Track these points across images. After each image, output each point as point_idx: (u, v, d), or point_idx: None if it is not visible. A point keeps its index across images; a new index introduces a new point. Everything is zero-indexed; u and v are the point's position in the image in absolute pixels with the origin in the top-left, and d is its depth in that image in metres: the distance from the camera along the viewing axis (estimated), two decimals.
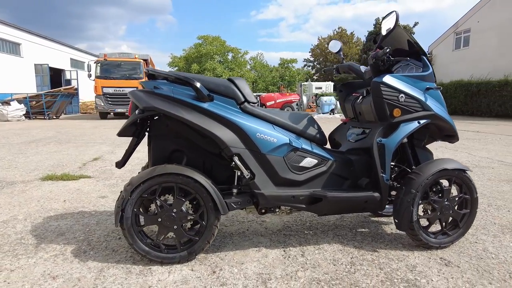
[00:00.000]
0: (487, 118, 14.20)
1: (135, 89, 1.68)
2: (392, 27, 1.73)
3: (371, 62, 1.85)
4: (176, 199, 1.60)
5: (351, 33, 33.43)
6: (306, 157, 1.76)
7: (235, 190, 1.73)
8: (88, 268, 1.60)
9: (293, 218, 2.32)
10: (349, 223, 2.24)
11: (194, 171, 1.61)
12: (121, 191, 1.62)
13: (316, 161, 1.78)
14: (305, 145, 1.78)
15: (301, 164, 1.75)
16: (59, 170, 3.75)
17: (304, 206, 1.75)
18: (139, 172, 1.75)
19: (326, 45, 32.90)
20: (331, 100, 16.28)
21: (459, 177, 1.82)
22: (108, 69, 13.44)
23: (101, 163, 4.21)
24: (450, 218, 1.86)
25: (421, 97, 1.81)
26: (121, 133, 1.65)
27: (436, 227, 1.89)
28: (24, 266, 1.61)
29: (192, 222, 1.68)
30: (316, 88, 23.42)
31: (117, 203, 1.58)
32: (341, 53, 2.23)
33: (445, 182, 1.85)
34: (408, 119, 1.79)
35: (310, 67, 35.42)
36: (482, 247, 1.86)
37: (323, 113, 16.18)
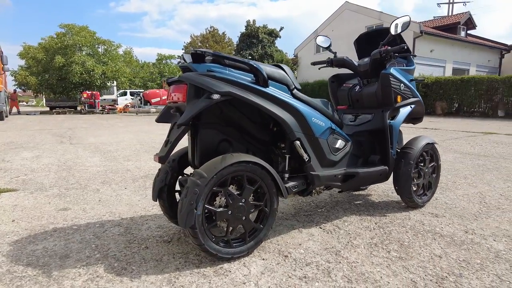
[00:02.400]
0: None
1: (190, 73, 1.48)
2: (403, 30, 2.03)
3: (378, 57, 2.13)
4: (246, 188, 1.52)
5: (223, 33, 34.68)
6: (338, 139, 1.93)
7: (287, 175, 1.75)
8: (152, 283, 1.35)
9: (294, 201, 2.44)
10: (342, 199, 2.53)
11: (259, 159, 1.56)
12: (186, 187, 1.42)
13: (344, 142, 1.97)
14: (337, 128, 1.95)
15: (336, 146, 1.91)
16: None
17: (340, 184, 1.92)
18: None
19: (200, 43, 33.18)
20: None
21: (432, 149, 2.33)
22: None
23: (3, 172, 3.27)
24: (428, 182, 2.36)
25: (412, 87, 2.23)
26: (187, 121, 1.43)
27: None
28: None
29: (257, 210, 1.62)
30: None
31: (187, 201, 1.38)
32: (331, 48, 2.47)
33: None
34: (405, 104, 2.18)
35: None
36: (444, 201, 2.44)
37: None
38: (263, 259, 1.56)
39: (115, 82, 21.13)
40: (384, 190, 2.73)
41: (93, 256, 1.57)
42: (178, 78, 1.50)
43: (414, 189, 2.26)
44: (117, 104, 19.66)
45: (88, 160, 4.05)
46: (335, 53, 2.48)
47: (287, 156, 1.75)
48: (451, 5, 33.39)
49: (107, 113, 17.34)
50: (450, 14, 32.68)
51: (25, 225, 1.96)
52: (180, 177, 1.75)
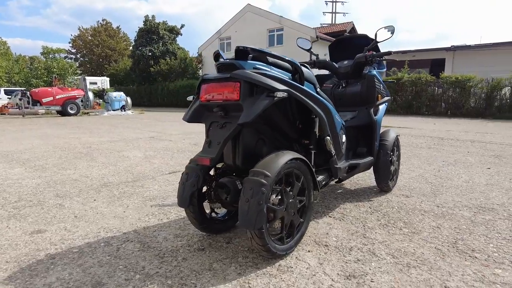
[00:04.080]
0: None
1: (243, 70, 1.41)
2: (389, 37, 2.30)
3: (363, 60, 2.37)
4: (295, 184, 1.55)
5: (118, 27, 31.85)
6: (343, 134, 2.10)
7: (313, 169, 1.83)
8: None
9: None
10: (324, 190, 2.74)
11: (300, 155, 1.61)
12: (249, 187, 1.36)
13: (345, 136, 2.16)
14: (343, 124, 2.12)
15: (343, 140, 2.08)
16: None
17: (345, 174, 2.10)
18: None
19: (91, 37, 29.80)
20: (121, 96, 15.25)
21: (397, 140, 2.73)
22: None
23: None
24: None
25: (385, 87, 2.56)
26: (253, 119, 1.35)
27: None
28: None
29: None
30: (91, 83, 21.07)
31: (254, 201, 1.34)
32: (312, 50, 2.63)
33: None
34: (383, 102, 2.50)
35: (73, 59, 30.70)
36: (402, 184, 2.89)
37: (113, 110, 14.93)
38: (309, 251, 1.62)
39: None
40: (351, 178, 3.06)
41: (133, 279, 1.37)
42: (230, 75, 1.41)
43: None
44: None
45: (9, 172, 3.31)
46: (317, 55, 2.66)
47: (313, 152, 1.84)
48: (334, 14, 38.07)
49: None
50: (333, 22, 37.25)
51: (10, 252, 1.55)
52: (222, 178, 1.64)
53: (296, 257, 1.56)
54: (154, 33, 24.36)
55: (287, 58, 1.59)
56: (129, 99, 15.40)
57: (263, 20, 20.49)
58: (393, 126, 8.23)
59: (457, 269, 1.46)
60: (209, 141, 1.51)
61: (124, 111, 15.22)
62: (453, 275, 1.41)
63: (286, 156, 1.48)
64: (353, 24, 22.68)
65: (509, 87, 11.27)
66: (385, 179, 2.50)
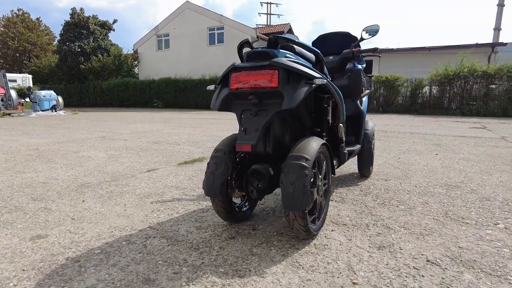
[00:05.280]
0: (194, 110, 17.71)
1: (281, 59, 1.45)
2: (373, 35, 2.50)
3: (350, 56, 2.54)
4: (322, 167, 1.64)
5: (37, 19, 28.52)
6: (343, 124, 2.25)
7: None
8: (283, 273, 1.32)
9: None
10: None
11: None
12: (292, 171, 1.41)
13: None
14: None
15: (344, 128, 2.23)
16: None
17: (345, 159, 2.26)
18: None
19: (3, 29, 26.25)
20: (51, 95, 13.74)
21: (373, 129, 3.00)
22: None
23: None
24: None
25: (366, 80, 2.79)
26: (297, 105, 1.39)
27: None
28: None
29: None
30: (10, 80, 18.60)
31: (300, 184, 1.39)
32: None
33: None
34: (365, 94, 2.72)
35: None
36: (376, 170, 3.18)
37: (42, 110, 13.40)
38: (333, 230, 1.73)
39: None
40: None
41: (181, 271, 1.33)
42: (269, 63, 1.44)
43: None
44: None
45: None
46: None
47: (325, 138, 1.95)
48: (269, 16, 39.14)
49: None
50: (269, 23, 38.29)
51: (12, 267, 1.36)
52: (254, 165, 1.65)
53: (325, 236, 1.66)
54: (83, 27, 22.42)
55: (314, 49, 1.68)
56: (60, 98, 14.00)
57: (203, 18, 20.23)
58: None
59: (459, 233, 1.70)
60: (244, 128, 1.53)
61: (56, 111, 13.79)
62: (459, 238, 1.64)
63: (318, 141, 1.56)
64: (290, 26, 23.64)
65: (428, 86, 12.88)
66: (368, 165, 2.74)
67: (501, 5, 23.80)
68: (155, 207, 2.09)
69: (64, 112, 13.74)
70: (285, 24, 24.02)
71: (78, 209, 2.06)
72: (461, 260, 1.41)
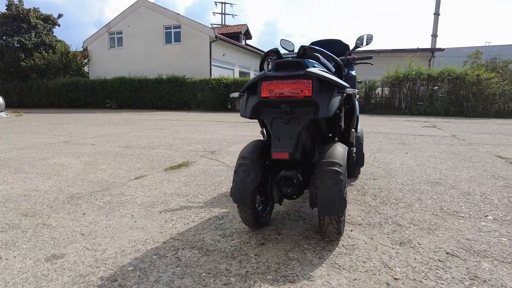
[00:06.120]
0: (151, 110, 17.12)
1: (315, 69, 1.50)
2: (368, 44, 2.63)
3: (345, 63, 2.66)
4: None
5: None
6: (355, 129, 2.36)
7: None
8: (322, 273, 1.37)
9: None
10: None
11: None
12: (327, 177, 1.47)
13: None
14: None
15: None
16: None
17: (354, 162, 2.38)
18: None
19: None
20: None
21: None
22: None
23: None
24: None
25: (357, 85, 2.94)
26: (333, 113, 1.44)
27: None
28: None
29: None
30: None
31: (337, 188, 1.45)
32: (295, 50, 2.81)
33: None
34: (357, 99, 2.87)
35: None
36: (367, 168, 3.37)
37: None
38: (351, 231, 1.83)
39: None
40: None
41: (232, 281, 1.32)
42: (304, 73, 1.48)
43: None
44: None
45: None
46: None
47: (336, 138, 2.04)
48: (224, 15, 39.02)
49: None
50: (223, 23, 38.17)
51: (46, 284, 1.25)
52: (284, 172, 1.66)
53: (348, 236, 1.74)
54: (23, 21, 20.52)
55: (336, 58, 1.75)
56: (1, 99, 12.67)
57: (159, 16, 19.61)
58: None
59: (460, 226, 1.89)
60: (278, 136, 1.55)
61: None
62: (463, 230, 1.82)
63: (344, 147, 1.64)
64: (247, 26, 23.82)
65: (380, 88, 13.80)
66: (360, 166, 2.90)
67: (437, 14, 26.19)
68: (166, 217, 2.02)
69: (6, 114, 12.47)
70: (242, 24, 24.14)
71: (83, 223, 1.93)
72: (474, 251, 1.58)
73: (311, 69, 1.52)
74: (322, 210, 1.48)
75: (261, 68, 2.21)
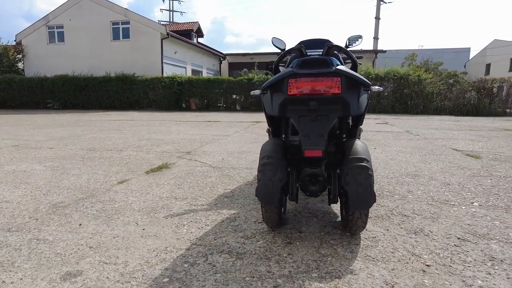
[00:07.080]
0: (99, 110, 16.06)
1: (343, 66, 1.51)
2: (358, 43, 2.72)
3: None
4: None
5: None
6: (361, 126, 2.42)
7: None
8: (357, 262, 1.41)
9: None
10: None
11: None
12: (358, 173, 1.51)
13: None
14: None
15: None
16: None
17: None
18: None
19: None
20: None
21: None
22: None
23: None
24: None
25: None
26: (364, 111, 1.47)
27: None
28: None
29: None
30: None
31: (368, 183, 1.49)
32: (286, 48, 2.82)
33: None
34: None
35: None
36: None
37: None
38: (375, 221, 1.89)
39: None
40: None
41: (280, 284, 1.29)
42: (334, 71, 1.49)
43: None
44: None
45: None
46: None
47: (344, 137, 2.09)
48: (172, 12, 37.88)
49: None
50: (171, 20, 37.06)
51: None
52: (310, 169, 1.65)
53: (366, 229, 1.80)
54: None
55: (353, 56, 1.79)
56: None
57: (106, 10, 18.40)
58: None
59: (456, 213, 2.06)
60: (307, 134, 1.55)
61: None
62: (460, 217, 1.99)
63: (364, 143, 1.69)
64: (199, 24, 23.39)
65: None
66: None
67: (377, 18, 28.16)
68: (176, 222, 1.92)
69: None
70: (194, 22, 23.64)
71: (84, 235, 1.75)
72: (479, 235, 1.74)
73: (340, 67, 1.54)
74: (354, 205, 1.51)
75: (276, 66, 2.19)
